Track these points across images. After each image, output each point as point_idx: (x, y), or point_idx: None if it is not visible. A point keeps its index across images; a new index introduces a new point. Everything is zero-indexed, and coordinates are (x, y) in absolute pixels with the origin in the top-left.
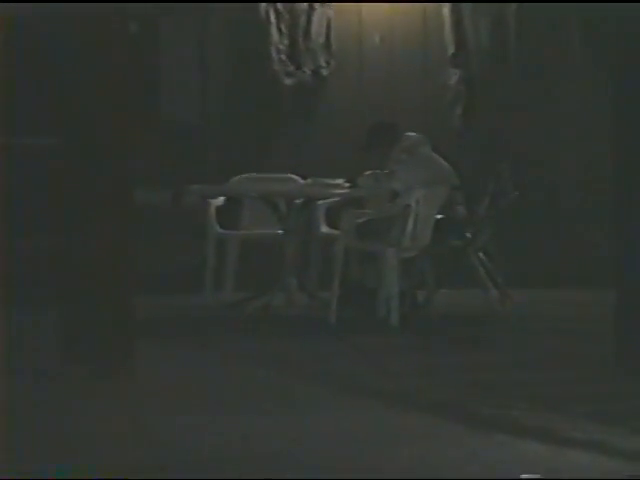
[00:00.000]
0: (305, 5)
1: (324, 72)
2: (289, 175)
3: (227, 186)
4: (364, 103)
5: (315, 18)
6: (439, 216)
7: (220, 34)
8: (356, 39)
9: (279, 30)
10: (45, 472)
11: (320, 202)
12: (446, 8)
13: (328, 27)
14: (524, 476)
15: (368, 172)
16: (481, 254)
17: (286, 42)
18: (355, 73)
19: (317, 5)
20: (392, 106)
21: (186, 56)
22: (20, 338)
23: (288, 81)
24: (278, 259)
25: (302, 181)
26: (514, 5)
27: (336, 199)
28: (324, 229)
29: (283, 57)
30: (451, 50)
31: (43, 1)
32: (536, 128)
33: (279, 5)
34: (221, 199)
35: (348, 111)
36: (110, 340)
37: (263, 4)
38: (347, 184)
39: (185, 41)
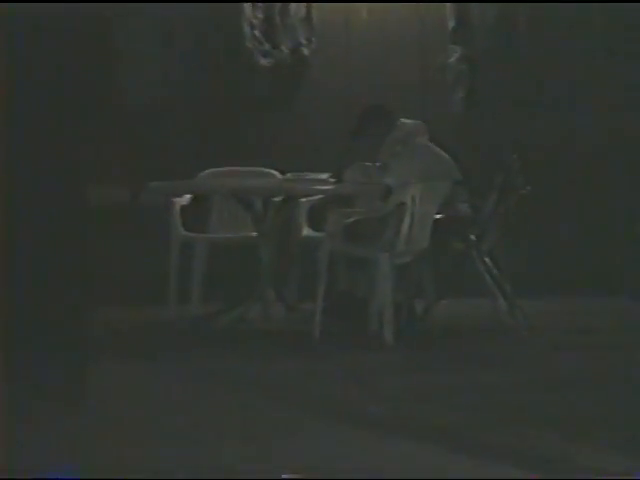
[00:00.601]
0: None
1: (305, 51)
2: (265, 169)
3: (194, 182)
4: (351, 86)
5: None
6: (439, 215)
7: (186, 8)
8: (341, 12)
9: (252, 2)
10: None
11: (302, 200)
12: None
13: (310, 2)
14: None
15: (357, 165)
16: (487, 259)
17: (261, 16)
18: (341, 52)
19: None
20: (384, 89)
21: (147, 32)
22: None
23: (263, 61)
24: (253, 266)
25: (281, 176)
26: None
27: (320, 197)
28: (306, 231)
29: (257, 34)
30: (451, 24)
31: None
32: (550, 113)
33: None
34: (187, 197)
35: (333, 95)
36: (59, 360)
37: None
38: (333, 179)
39: (145, 15)
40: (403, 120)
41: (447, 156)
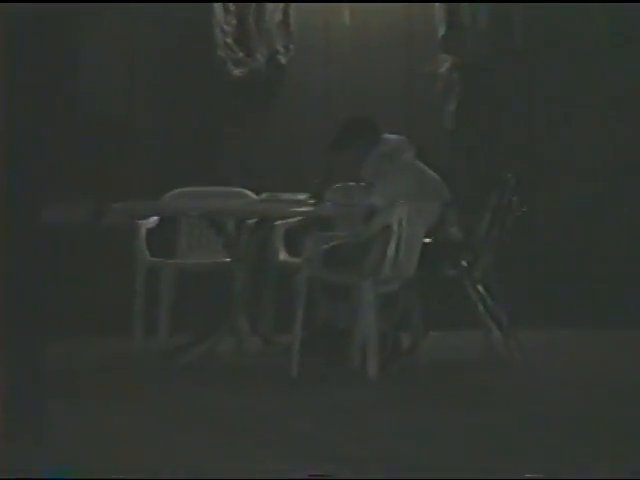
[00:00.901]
0: None
1: (282, 59)
2: (238, 189)
3: (161, 203)
4: (332, 97)
5: None
6: (427, 239)
7: (151, 12)
8: (322, 17)
9: (224, 6)
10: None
11: (278, 223)
12: None
13: (286, 2)
14: (528, 476)
15: (338, 185)
16: (480, 287)
17: (233, 21)
18: (321, 60)
19: None
20: (367, 101)
21: (109, 40)
22: None
23: (236, 71)
24: (225, 294)
25: (255, 196)
26: None
27: (298, 219)
28: (283, 256)
29: (229, 41)
30: (442, 30)
31: None
32: (550, 127)
33: None
34: (153, 219)
35: (312, 108)
36: (9, 399)
37: None
38: (312, 200)
39: (109, 21)
40: (387, 135)
41: (436, 175)
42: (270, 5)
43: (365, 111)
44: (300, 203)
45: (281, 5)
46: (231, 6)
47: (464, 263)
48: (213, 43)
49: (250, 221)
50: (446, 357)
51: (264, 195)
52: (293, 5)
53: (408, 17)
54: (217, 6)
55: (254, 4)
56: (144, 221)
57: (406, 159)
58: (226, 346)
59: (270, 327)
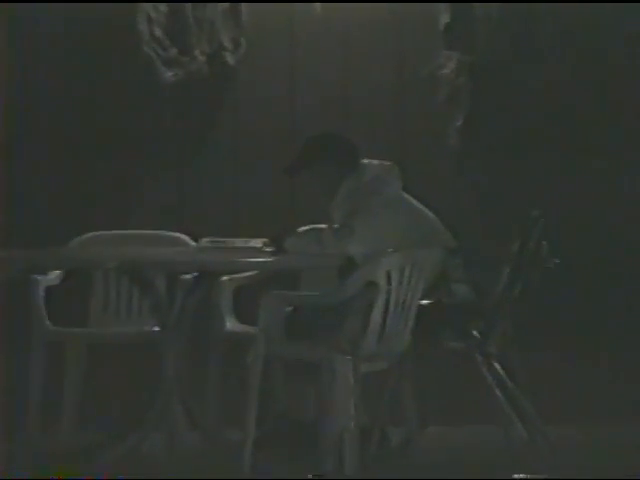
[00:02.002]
0: None
1: (229, 58)
2: (170, 233)
3: (66, 251)
4: (297, 111)
5: None
6: (425, 301)
7: None
8: (283, 4)
9: None
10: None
11: (224, 278)
12: None
13: None
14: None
15: (304, 228)
16: (497, 364)
17: (164, 9)
18: (281, 60)
19: None
20: (343, 116)
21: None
22: None
23: (168, 73)
24: (153, 375)
25: (193, 243)
26: None
27: (251, 273)
28: (231, 324)
29: (159, 33)
30: (445, 20)
31: None
32: (586, 149)
33: None
34: (55, 274)
35: (270, 124)
36: None
37: None
38: (269, 248)
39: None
40: (368, 161)
41: (432, 214)
42: None
43: (339, 128)
44: (254, 252)
45: None
46: None
47: (475, 333)
48: (137, 36)
49: (186, 276)
50: (450, 458)
51: (205, 241)
52: None
53: (399, 4)
54: None
55: None
56: (43, 276)
57: (393, 192)
58: (155, 444)
59: (214, 419)
